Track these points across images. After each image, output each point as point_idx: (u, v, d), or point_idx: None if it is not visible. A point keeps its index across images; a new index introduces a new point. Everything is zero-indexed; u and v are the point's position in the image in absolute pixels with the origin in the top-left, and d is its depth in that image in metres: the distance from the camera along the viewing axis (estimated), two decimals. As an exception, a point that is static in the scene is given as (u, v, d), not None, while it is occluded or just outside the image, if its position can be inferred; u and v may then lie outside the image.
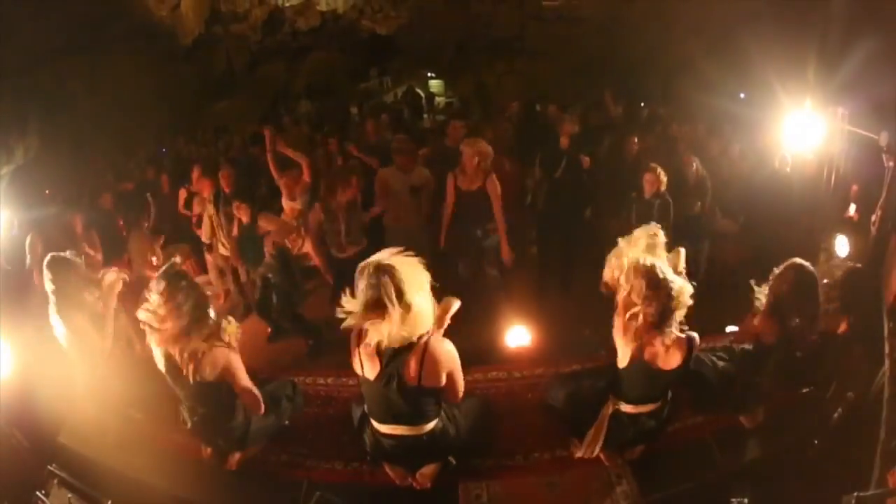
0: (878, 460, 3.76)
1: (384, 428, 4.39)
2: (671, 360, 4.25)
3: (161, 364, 4.50)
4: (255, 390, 4.62)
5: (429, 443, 4.41)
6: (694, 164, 7.96)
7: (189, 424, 4.77)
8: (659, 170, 7.12)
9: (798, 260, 4.75)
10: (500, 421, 5.35)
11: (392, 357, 4.03)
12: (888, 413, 4.06)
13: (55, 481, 4.34)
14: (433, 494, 4.59)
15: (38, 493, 4.19)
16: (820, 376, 5.13)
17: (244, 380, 4.56)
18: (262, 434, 5.00)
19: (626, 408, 4.56)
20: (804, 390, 5.28)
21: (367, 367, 4.13)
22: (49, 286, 5.14)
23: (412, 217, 7.57)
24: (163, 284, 4.26)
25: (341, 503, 4.39)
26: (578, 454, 4.79)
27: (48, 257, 5.21)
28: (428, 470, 4.60)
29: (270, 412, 4.94)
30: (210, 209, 7.95)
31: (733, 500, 3.97)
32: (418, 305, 3.87)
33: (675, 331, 4.17)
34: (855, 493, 3.28)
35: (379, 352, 4.04)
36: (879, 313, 5.11)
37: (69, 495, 4.20)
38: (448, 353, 4.11)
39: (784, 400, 5.25)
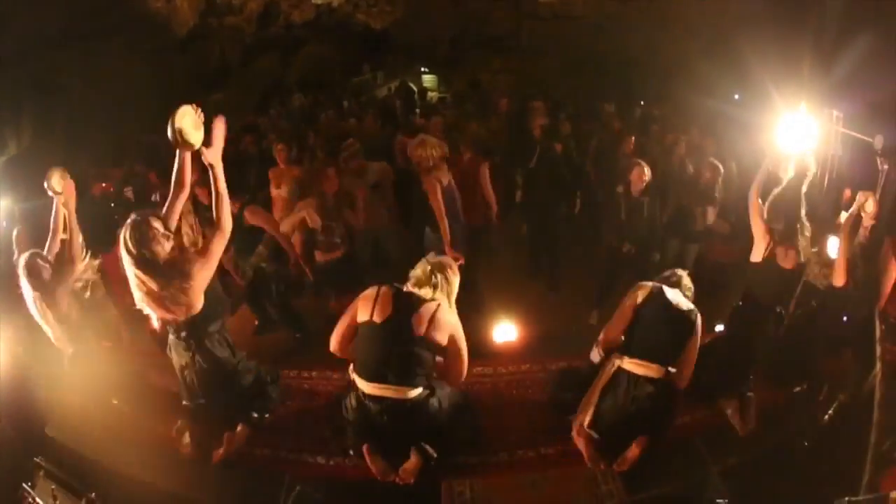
0: (868, 463, 3.72)
1: (370, 387, 4.40)
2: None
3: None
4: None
5: (412, 411, 4.45)
6: (689, 165, 7.93)
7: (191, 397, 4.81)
8: (644, 165, 7.06)
9: None
10: (485, 417, 5.31)
11: (406, 304, 4.33)
12: (879, 416, 4.04)
13: (41, 473, 4.33)
14: (416, 492, 4.57)
15: (24, 484, 4.18)
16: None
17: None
18: (252, 404, 5.07)
19: (628, 364, 4.62)
20: (796, 389, 5.26)
21: (378, 311, 4.32)
22: (26, 285, 5.14)
23: (378, 217, 7.52)
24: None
25: (322, 498, 4.32)
26: (574, 428, 4.82)
27: (23, 259, 5.17)
28: (411, 465, 4.54)
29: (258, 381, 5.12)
30: (190, 219, 7.65)
31: (720, 501, 3.91)
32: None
33: None
34: (846, 498, 3.22)
35: (396, 298, 4.35)
36: (871, 316, 5.09)
37: (53, 486, 4.16)
38: (454, 320, 4.47)
39: (774, 401, 5.22)
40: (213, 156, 4.19)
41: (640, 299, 4.72)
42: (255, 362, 5.24)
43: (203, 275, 4.31)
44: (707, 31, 13.54)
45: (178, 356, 4.70)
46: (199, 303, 4.39)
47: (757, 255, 5.27)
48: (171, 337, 4.68)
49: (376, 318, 4.31)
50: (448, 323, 4.38)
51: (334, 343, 4.62)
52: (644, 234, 7.12)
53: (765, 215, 5.26)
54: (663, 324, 4.63)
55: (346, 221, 7.42)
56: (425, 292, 4.38)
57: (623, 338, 4.81)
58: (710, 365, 5.05)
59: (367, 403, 4.48)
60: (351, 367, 4.60)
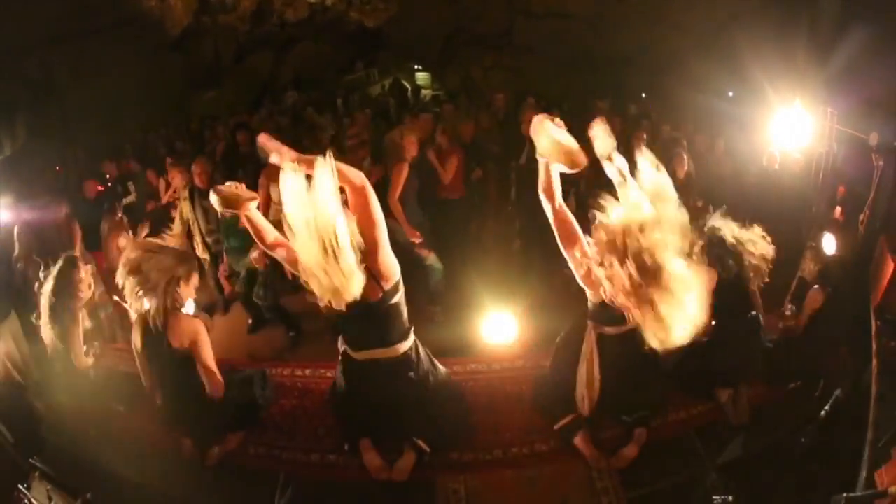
0: (866, 460, 3.70)
1: (361, 354, 4.41)
2: None
3: (138, 339, 4.53)
4: (218, 373, 4.65)
5: (405, 366, 4.46)
6: (686, 163, 7.91)
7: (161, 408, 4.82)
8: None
9: None
10: (479, 414, 5.31)
11: None
12: (876, 412, 4.02)
13: (36, 474, 4.33)
14: (411, 489, 4.56)
15: (20, 486, 4.16)
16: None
17: (209, 357, 4.60)
18: (237, 422, 5.03)
19: (609, 329, 4.47)
20: (791, 386, 5.25)
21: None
22: (47, 288, 5.19)
23: None
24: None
25: (317, 497, 4.30)
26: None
27: (60, 262, 5.26)
28: (405, 462, 4.54)
29: (243, 397, 5.07)
30: (185, 207, 7.64)
31: (716, 497, 3.89)
32: None
33: None
34: (844, 494, 3.20)
35: None
36: (867, 312, 5.08)
37: (48, 488, 4.20)
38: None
39: (771, 397, 5.21)
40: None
41: None
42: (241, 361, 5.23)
43: None
44: (701, 28, 13.53)
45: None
46: None
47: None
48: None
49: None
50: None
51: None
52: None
53: None
54: None
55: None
56: None
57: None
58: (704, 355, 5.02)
59: (361, 369, 4.49)
60: (339, 339, 4.61)
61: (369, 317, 4.22)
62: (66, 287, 5.18)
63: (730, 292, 4.93)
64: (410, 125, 8.74)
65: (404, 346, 4.43)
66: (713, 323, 4.80)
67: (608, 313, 4.27)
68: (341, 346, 4.61)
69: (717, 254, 4.92)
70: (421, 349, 4.63)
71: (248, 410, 5.17)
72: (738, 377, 5.17)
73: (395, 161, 6.85)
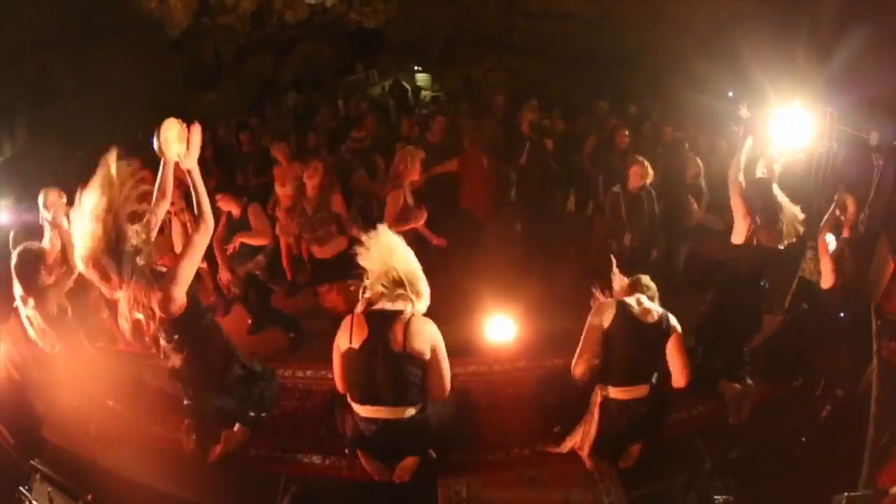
0: (867, 459, 3.71)
1: (365, 410, 4.32)
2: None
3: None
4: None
5: (409, 430, 4.34)
6: (698, 164, 7.91)
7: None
8: (646, 163, 7.05)
9: None
10: (481, 415, 5.31)
11: (379, 321, 4.17)
12: (876, 410, 4.03)
13: (38, 476, 4.33)
14: (413, 490, 4.54)
15: (21, 487, 4.19)
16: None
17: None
18: (249, 412, 4.98)
19: (614, 393, 4.49)
20: (792, 385, 5.25)
21: (355, 336, 4.19)
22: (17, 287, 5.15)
23: None
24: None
25: (318, 498, 4.30)
26: (568, 446, 4.73)
27: (14, 257, 5.17)
28: (407, 463, 4.52)
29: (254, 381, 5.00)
30: (184, 217, 7.54)
31: (717, 497, 3.90)
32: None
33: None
34: (846, 494, 3.21)
35: (369, 318, 4.20)
36: (867, 312, 5.09)
37: (49, 489, 4.18)
38: (431, 329, 4.26)
39: (771, 396, 5.21)
40: (191, 162, 4.17)
41: (606, 323, 4.48)
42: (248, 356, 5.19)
43: (188, 273, 4.25)
44: (701, 28, 13.53)
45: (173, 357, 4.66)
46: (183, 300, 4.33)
47: (738, 238, 5.27)
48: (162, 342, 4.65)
49: (354, 344, 4.19)
50: (424, 332, 4.21)
51: (339, 383, 4.50)
52: (643, 231, 7.12)
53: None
54: (636, 344, 4.42)
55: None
56: (397, 305, 4.22)
57: (598, 363, 4.61)
58: (705, 344, 5.04)
59: (363, 425, 4.40)
60: (347, 393, 4.51)
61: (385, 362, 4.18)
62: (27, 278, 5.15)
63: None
64: (434, 133, 8.76)
65: (412, 410, 4.32)
66: None
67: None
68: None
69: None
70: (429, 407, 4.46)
71: (259, 403, 5.09)
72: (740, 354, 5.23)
73: (392, 188, 6.77)
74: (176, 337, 4.34)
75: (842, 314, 5.26)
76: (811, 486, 3.94)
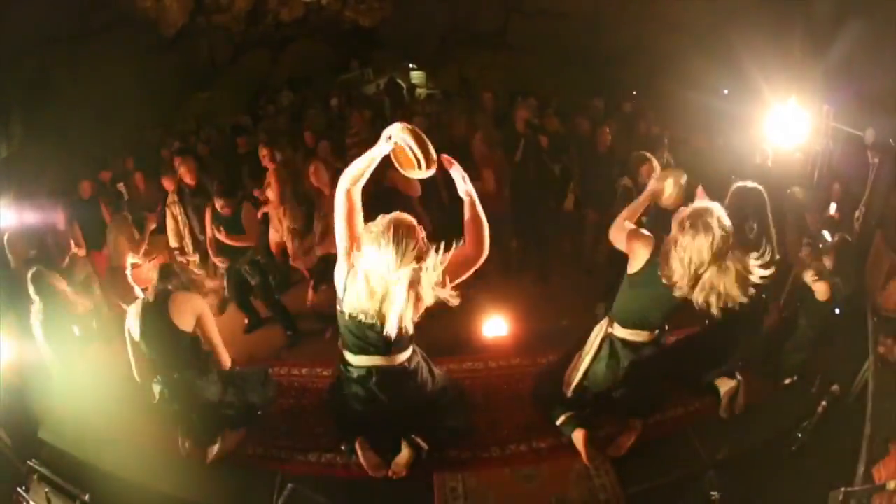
0: (863, 454, 3.71)
1: (359, 360, 4.27)
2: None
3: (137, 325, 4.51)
4: (222, 347, 4.81)
5: (403, 376, 4.33)
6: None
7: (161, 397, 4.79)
8: (654, 160, 7.06)
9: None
10: (477, 412, 5.32)
11: None
12: (873, 407, 4.03)
13: (35, 477, 4.33)
14: (409, 488, 4.56)
15: (18, 489, 4.18)
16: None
17: (215, 332, 4.74)
18: (237, 420, 5.02)
19: (620, 332, 4.46)
20: (787, 382, 5.26)
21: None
22: (34, 296, 5.30)
23: None
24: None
25: (315, 496, 4.28)
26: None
27: (32, 272, 5.32)
28: (403, 459, 4.53)
29: (244, 392, 5.07)
30: (176, 209, 7.61)
31: (714, 493, 3.89)
32: None
33: None
34: (843, 489, 3.20)
35: None
36: (863, 308, 5.09)
37: (47, 490, 4.19)
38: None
39: (767, 392, 5.22)
40: None
41: (641, 263, 4.24)
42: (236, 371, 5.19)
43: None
44: (696, 26, 13.54)
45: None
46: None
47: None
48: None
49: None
50: None
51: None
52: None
53: None
54: (653, 300, 4.27)
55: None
56: None
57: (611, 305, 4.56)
58: (700, 348, 5.04)
59: (357, 388, 4.38)
60: (339, 342, 4.48)
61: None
62: (51, 300, 5.27)
63: None
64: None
65: (404, 355, 4.32)
66: None
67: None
68: (341, 348, 4.56)
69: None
70: (420, 357, 4.52)
71: (248, 409, 5.14)
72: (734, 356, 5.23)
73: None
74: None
75: (837, 311, 5.26)
76: (808, 482, 3.95)
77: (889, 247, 5.37)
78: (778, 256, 4.84)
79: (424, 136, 3.63)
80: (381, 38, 18.76)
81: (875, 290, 5.22)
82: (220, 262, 6.98)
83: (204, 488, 4.75)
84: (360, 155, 3.76)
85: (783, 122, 6.60)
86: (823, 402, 4.48)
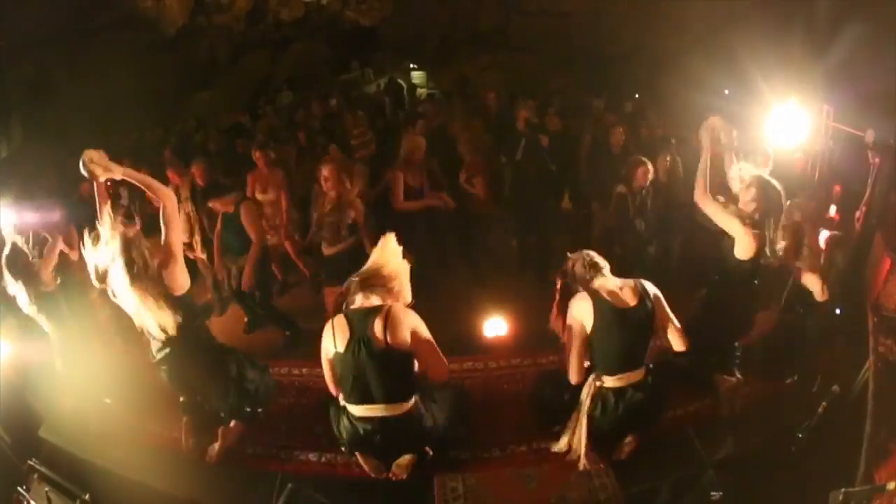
0: (864, 455, 3.70)
1: (360, 410, 4.33)
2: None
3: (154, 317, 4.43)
4: None
5: (405, 425, 4.37)
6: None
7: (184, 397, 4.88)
8: (649, 163, 7.06)
9: None
10: (477, 413, 5.30)
11: (360, 321, 4.18)
12: (873, 407, 4.02)
13: (35, 476, 4.32)
14: (409, 487, 4.57)
15: (18, 488, 4.19)
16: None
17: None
18: (253, 397, 5.09)
19: (610, 382, 4.49)
20: (788, 381, 5.25)
21: (338, 339, 4.20)
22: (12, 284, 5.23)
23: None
24: None
25: (315, 495, 4.28)
26: (565, 442, 4.71)
27: (3, 256, 5.26)
28: (404, 461, 4.53)
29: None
30: (188, 206, 7.68)
31: (714, 493, 3.89)
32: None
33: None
34: (843, 489, 3.20)
35: (349, 319, 4.21)
36: (864, 308, 5.08)
37: (47, 489, 4.18)
38: (410, 317, 4.27)
39: (768, 392, 5.21)
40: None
41: (588, 327, 4.41)
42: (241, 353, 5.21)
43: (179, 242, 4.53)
44: (697, 26, 13.53)
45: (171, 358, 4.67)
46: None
47: (743, 253, 4.98)
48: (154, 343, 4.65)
49: (339, 347, 4.20)
50: (404, 320, 4.19)
51: (331, 387, 4.51)
52: (642, 229, 7.14)
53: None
54: (618, 331, 4.36)
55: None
56: (371, 301, 4.24)
57: (588, 362, 4.58)
58: (700, 338, 5.03)
59: (359, 425, 4.41)
60: (340, 395, 4.52)
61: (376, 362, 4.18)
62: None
63: None
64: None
65: (409, 403, 4.36)
66: None
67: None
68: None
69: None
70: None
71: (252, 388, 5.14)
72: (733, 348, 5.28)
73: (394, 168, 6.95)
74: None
75: (838, 311, 5.25)
76: (808, 483, 3.93)
77: (889, 247, 5.36)
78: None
79: None
80: (381, 38, 18.77)
81: (875, 290, 5.21)
82: (226, 262, 7.00)
83: (204, 487, 4.74)
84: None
85: (783, 123, 6.59)
86: (823, 402, 4.48)
